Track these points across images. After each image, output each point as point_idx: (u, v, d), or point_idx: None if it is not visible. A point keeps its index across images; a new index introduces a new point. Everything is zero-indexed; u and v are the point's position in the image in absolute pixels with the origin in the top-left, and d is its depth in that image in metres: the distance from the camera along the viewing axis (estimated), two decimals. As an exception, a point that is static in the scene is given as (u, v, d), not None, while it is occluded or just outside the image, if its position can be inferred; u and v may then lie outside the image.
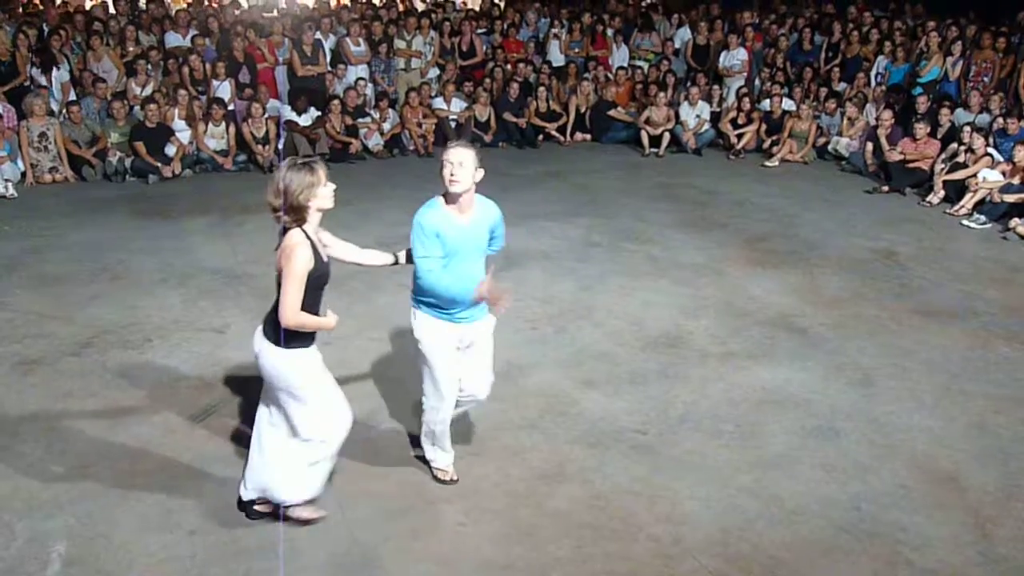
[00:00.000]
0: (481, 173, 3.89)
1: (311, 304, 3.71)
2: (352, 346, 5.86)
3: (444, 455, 4.37)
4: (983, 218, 8.81)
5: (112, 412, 4.97)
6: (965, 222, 8.89)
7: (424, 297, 4.01)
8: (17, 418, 4.90)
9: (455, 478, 4.37)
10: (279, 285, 3.67)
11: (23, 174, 9.89)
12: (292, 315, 3.62)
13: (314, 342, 3.85)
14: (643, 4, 14.85)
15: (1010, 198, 8.74)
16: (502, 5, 15.79)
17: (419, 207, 3.95)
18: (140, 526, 4.00)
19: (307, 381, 3.79)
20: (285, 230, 3.66)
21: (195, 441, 4.70)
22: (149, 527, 4.00)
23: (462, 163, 3.80)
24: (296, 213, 3.61)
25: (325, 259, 3.78)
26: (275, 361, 3.74)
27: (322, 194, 3.65)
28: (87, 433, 4.75)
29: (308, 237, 3.65)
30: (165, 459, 4.52)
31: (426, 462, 4.44)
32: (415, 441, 4.56)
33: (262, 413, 3.96)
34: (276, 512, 3.98)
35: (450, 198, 3.90)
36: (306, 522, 4.01)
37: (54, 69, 10.69)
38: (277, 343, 3.71)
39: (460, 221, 3.92)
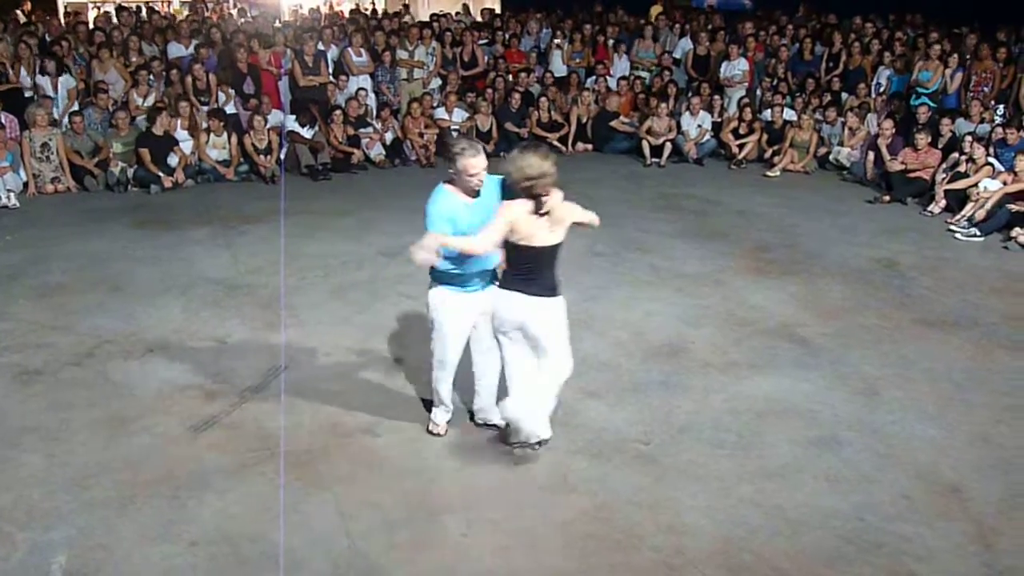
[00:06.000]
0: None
1: None
2: (354, 356, 5.86)
3: (440, 412, 4.90)
4: (976, 231, 8.77)
5: (113, 422, 4.97)
6: (959, 235, 8.82)
7: (441, 275, 4.47)
8: (18, 428, 4.89)
9: (442, 432, 4.88)
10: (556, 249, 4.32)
11: (25, 184, 9.92)
12: None
13: None
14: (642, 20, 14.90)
15: (1013, 207, 8.73)
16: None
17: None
18: (141, 537, 3.99)
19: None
20: (539, 200, 4.19)
21: (196, 451, 4.69)
22: (150, 538, 3.98)
23: (485, 169, 4.36)
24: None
25: None
26: (560, 306, 4.41)
27: None
28: (88, 443, 4.75)
29: None
30: (166, 470, 4.51)
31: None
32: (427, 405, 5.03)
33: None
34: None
35: (459, 185, 4.36)
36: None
37: (61, 76, 10.70)
38: (557, 294, 4.38)
39: (467, 202, 4.36)
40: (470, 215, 4.34)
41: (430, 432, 4.86)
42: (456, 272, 4.43)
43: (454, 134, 11.98)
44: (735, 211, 9.64)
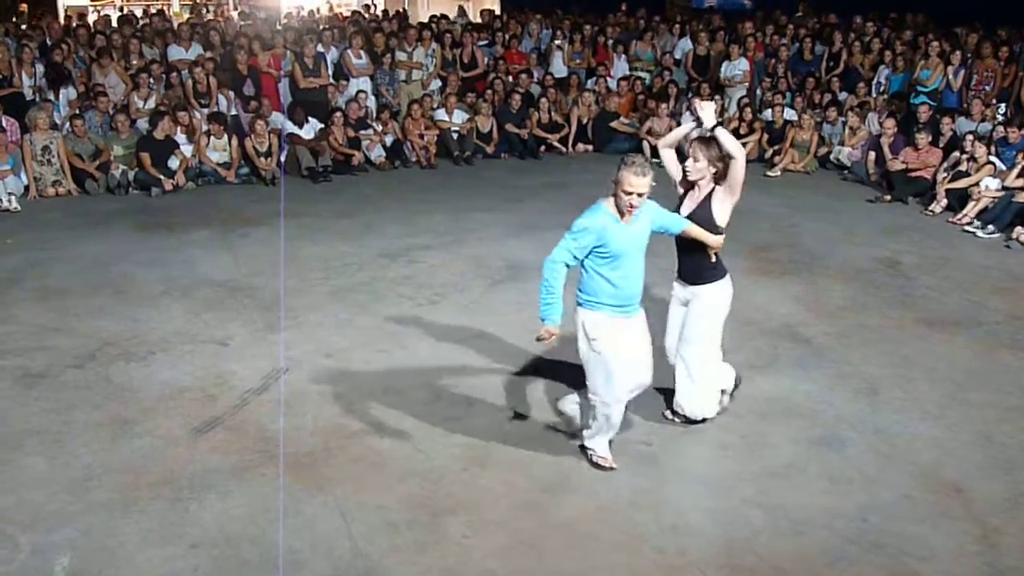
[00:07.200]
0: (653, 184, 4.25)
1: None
2: (355, 358, 5.86)
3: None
4: (991, 227, 8.76)
5: (115, 424, 4.97)
6: (971, 229, 8.82)
7: (595, 298, 4.38)
8: (21, 431, 4.90)
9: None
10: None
11: (26, 187, 9.93)
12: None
13: None
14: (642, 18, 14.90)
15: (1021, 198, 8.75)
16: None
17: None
18: (143, 539, 3.99)
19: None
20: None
21: (198, 453, 4.69)
22: (152, 540, 3.99)
23: (643, 194, 4.20)
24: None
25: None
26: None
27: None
28: (90, 446, 4.75)
29: None
30: (168, 471, 4.51)
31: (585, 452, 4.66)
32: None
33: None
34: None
35: (616, 201, 4.28)
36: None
37: (63, 87, 10.74)
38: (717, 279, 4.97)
39: (620, 220, 4.29)
40: (620, 233, 4.27)
41: (600, 466, 4.56)
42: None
43: (454, 135, 11.99)
44: (736, 211, 9.58)
